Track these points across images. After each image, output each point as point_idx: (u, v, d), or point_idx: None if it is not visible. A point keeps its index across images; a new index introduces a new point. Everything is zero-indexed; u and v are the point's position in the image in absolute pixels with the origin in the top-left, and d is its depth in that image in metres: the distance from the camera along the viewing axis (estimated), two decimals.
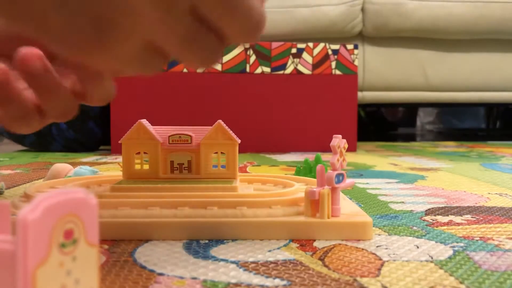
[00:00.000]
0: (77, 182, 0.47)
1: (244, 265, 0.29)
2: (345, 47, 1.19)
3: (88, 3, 0.21)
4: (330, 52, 1.19)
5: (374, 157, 1.02)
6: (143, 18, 0.22)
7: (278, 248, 0.33)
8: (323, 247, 0.33)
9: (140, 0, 0.22)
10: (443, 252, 0.32)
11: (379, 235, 0.37)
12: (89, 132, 1.21)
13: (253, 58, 1.16)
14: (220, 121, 0.45)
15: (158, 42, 0.24)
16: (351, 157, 1.02)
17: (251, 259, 0.30)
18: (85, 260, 0.18)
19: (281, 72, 1.18)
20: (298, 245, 0.34)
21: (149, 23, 0.22)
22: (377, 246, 0.33)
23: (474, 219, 0.42)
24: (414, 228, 0.39)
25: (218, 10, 0.23)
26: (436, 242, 0.35)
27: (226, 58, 1.15)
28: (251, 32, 0.24)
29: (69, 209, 0.17)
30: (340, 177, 0.37)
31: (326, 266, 0.29)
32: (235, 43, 0.26)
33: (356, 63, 1.20)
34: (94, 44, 0.22)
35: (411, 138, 1.97)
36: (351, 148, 1.19)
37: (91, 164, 0.89)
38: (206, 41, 0.24)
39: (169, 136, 0.45)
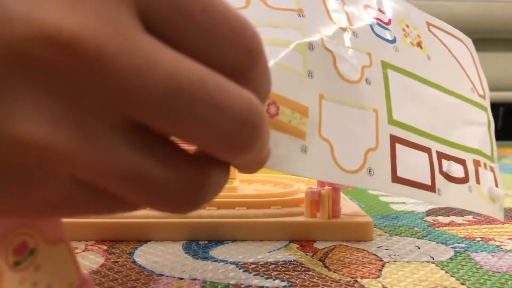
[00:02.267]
0: None
1: (243, 266, 0.29)
2: None
3: None
4: None
5: None
6: (55, 154, 0.12)
7: (278, 249, 0.32)
8: (324, 248, 0.33)
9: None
10: (444, 253, 0.32)
11: (380, 235, 0.36)
12: None
13: None
14: None
15: (90, 178, 0.13)
16: None
17: (250, 260, 0.30)
18: (53, 262, 0.16)
19: None
20: (298, 245, 0.33)
21: (68, 158, 0.13)
22: (378, 247, 0.33)
23: (475, 219, 0.42)
24: (415, 228, 0.39)
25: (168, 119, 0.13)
26: (437, 242, 0.34)
27: None
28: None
29: (14, 223, 0.15)
30: None
31: (326, 267, 0.29)
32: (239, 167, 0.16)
33: None
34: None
35: None
36: None
37: None
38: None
39: None
